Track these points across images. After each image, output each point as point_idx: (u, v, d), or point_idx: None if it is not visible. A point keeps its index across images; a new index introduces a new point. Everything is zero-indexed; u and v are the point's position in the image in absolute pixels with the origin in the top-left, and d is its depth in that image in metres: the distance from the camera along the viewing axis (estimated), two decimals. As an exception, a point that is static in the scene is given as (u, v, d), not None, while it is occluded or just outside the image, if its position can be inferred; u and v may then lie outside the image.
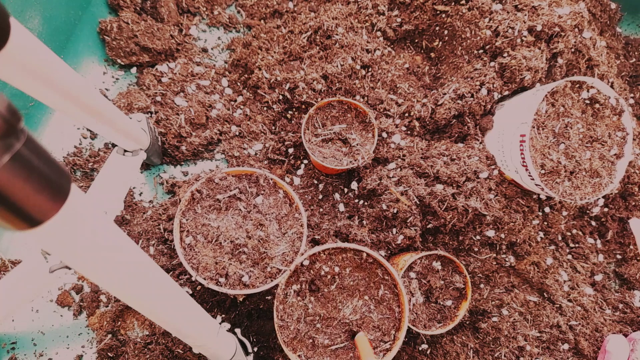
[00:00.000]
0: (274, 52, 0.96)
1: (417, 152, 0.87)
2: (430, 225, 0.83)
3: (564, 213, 0.93)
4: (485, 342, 0.83)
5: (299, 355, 0.64)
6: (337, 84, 0.89)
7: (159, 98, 0.94)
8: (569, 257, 0.95)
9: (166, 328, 0.50)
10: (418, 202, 0.81)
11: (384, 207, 0.81)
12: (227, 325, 0.78)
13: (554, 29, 0.85)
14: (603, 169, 0.79)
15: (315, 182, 0.93)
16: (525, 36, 0.85)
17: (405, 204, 0.80)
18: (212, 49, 1.04)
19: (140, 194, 0.91)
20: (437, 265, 0.81)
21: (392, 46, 0.98)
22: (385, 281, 0.69)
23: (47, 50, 0.50)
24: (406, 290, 0.78)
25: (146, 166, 0.93)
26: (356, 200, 0.90)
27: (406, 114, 0.90)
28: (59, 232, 0.29)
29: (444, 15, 0.93)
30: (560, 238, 0.95)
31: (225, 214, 0.72)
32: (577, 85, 0.80)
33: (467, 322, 0.86)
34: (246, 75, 0.99)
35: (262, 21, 1.05)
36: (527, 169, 0.76)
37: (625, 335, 0.86)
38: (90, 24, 0.95)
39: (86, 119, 0.62)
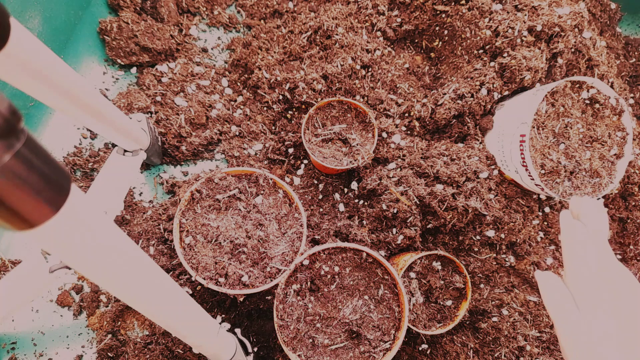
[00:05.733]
0: (274, 52, 0.96)
1: (417, 152, 0.87)
2: (430, 225, 0.83)
3: (564, 213, 0.93)
4: (485, 342, 0.83)
5: (298, 355, 0.64)
6: (337, 84, 0.89)
7: (159, 98, 0.94)
8: (569, 257, 0.95)
9: (166, 328, 0.50)
10: (418, 202, 0.81)
11: (384, 207, 0.81)
12: (227, 325, 0.78)
13: (554, 29, 0.85)
14: (603, 169, 0.79)
15: (315, 182, 0.93)
16: (525, 36, 0.85)
17: (405, 204, 0.80)
18: (212, 49, 1.04)
19: (140, 194, 0.91)
20: (437, 265, 0.81)
21: (392, 46, 0.98)
22: (385, 281, 0.69)
23: (47, 50, 0.50)
24: (406, 290, 0.78)
25: (146, 166, 0.93)
26: (356, 200, 0.90)
27: (406, 114, 0.91)
28: (58, 232, 0.29)
29: (444, 15, 0.93)
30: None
31: (224, 214, 0.72)
32: (577, 85, 0.80)
33: (467, 322, 0.86)
34: (246, 75, 0.99)
35: (262, 21, 1.05)
36: (527, 169, 0.76)
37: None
38: (90, 24, 0.95)
39: (86, 119, 0.62)
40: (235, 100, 0.98)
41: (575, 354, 0.36)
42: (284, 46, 0.96)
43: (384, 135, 0.88)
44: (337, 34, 0.91)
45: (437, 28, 0.95)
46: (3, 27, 0.40)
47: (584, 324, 0.36)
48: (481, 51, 0.89)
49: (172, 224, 0.74)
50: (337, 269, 0.69)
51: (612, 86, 0.95)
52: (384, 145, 0.88)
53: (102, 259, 0.34)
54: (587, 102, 0.80)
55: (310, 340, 0.66)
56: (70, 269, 0.67)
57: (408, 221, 0.81)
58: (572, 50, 0.88)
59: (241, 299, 0.74)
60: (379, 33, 0.96)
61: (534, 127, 0.77)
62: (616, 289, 0.36)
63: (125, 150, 0.79)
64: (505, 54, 0.86)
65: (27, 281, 0.66)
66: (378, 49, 0.93)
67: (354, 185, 0.92)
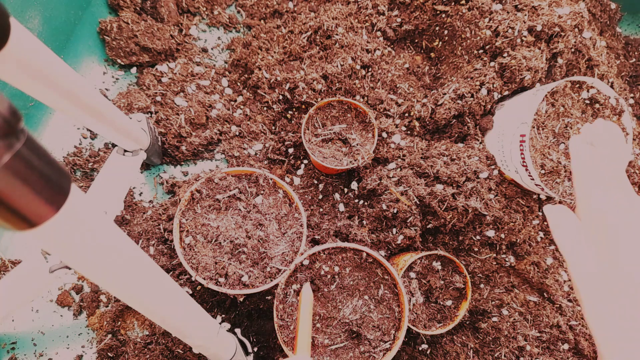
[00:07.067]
0: (274, 52, 0.96)
1: (417, 152, 0.87)
2: (430, 225, 0.83)
3: (564, 213, 0.93)
4: (485, 342, 0.83)
5: (299, 355, 0.64)
6: (337, 84, 0.89)
7: (159, 98, 0.94)
8: (569, 257, 0.95)
9: (166, 328, 0.50)
10: (418, 202, 0.81)
11: (384, 207, 0.81)
12: (227, 325, 0.78)
13: (554, 29, 0.85)
14: (603, 169, 0.79)
15: (315, 182, 0.93)
16: (525, 36, 0.85)
17: (405, 204, 0.80)
18: (212, 49, 1.04)
19: (140, 194, 0.91)
20: (437, 265, 0.81)
21: (392, 46, 0.98)
22: (385, 281, 0.69)
23: (47, 50, 0.50)
24: (406, 290, 0.78)
25: (146, 166, 0.93)
26: (356, 200, 0.90)
27: (406, 114, 0.91)
28: (58, 232, 0.29)
29: (444, 15, 0.93)
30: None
31: (224, 214, 0.72)
32: (577, 85, 0.80)
33: (467, 322, 0.86)
34: (246, 75, 0.99)
35: (262, 21, 1.05)
36: (527, 169, 0.76)
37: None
38: (90, 24, 0.95)
39: (86, 119, 0.62)
40: (235, 100, 0.98)
41: (588, 287, 0.33)
42: (284, 46, 0.96)
43: (384, 135, 0.88)
44: (337, 34, 0.91)
45: (437, 28, 0.95)
46: (3, 27, 0.40)
47: (596, 256, 0.33)
48: (481, 51, 0.89)
49: (172, 224, 0.74)
50: (337, 269, 0.69)
51: (612, 86, 0.95)
52: (384, 145, 0.88)
53: (102, 259, 0.34)
54: (587, 102, 0.80)
55: (311, 340, 0.66)
56: (70, 269, 0.67)
57: (408, 221, 0.81)
58: (572, 50, 0.88)
59: (241, 299, 0.74)
60: (379, 33, 0.96)
61: (534, 127, 0.77)
62: (630, 220, 0.33)
63: (125, 150, 0.79)
64: (505, 54, 0.86)
65: (27, 281, 0.66)
66: (378, 49, 0.93)
67: (354, 185, 0.92)
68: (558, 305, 0.86)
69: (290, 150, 0.93)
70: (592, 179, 0.36)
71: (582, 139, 0.40)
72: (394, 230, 0.82)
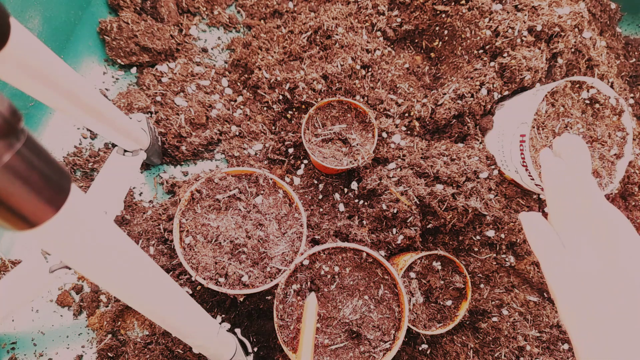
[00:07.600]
0: (274, 52, 0.96)
1: (417, 152, 0.87)
2: (430, 225, 0.83)
3: (564, 213, 0.93)
4: (485, 342, 0.83)
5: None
6: (337, 84, 0.89)
7: (159, 98, 0.94)
8: (569, 257, 0.94)
9: (166, 328, 0.50)
10: (418, 202, 0.81)
11: (384, 207, 0.81)
12: (227, 325, 0.78)
13: (554, 29, 0.85)
14: (603, 169, 0.79)
15: (315, 182, 0.93)
16: (525, 36, 0.85)
17: (405, 204, 0.80)
18: (212, 49, 1.04)
19: (140, 194, 0.91)
20: (437, 265, 0.81)
21: (392, 46, 0.98)
22: (385, 281, 0.69)
23: (47, 50, 0.50)
24: (406, 290, 0.78)
25: (146, 166, 0.93)
26: (356, 200, 0.90)
27: (406, 114, 0.91)
28: (58, 232, 0.29)
29: (444, 15, 0.93)
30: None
31: (224, 214, 0.72)
32: (577, 85, 0.80)
33: (467, 322, 0.86)
34: (246, 75, 0.99)
35: (262, 21, 1.05)
36: (527, 169, 0.76)
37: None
38: (90, 24, 0.95)
39: (86, 119, 0.62)
40: (235, 100, 0.98)
41: (561, 292, 0.35)
42: (284, 46, 0.96)
43: (384, 135, 0.88)
44: (337, 34, 0.91)
45: (437, 28, 0.95)
46: (3, 27, 0.40)
47: (568, 261, 0.35)
48: (481, 51, 0.89)
49: (172, 224, 0.74)
50: (337, 269, 0.69)
51: (612, 86, 0.95)
52: (384, 145, 0.88)
53: (102, 259, 0.34)
54: (587, 102, 0.80)
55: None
56: (70, 269, 0.67)
57: (408, 221, 0.80)
58: (572, 50, 0.88)
59: (241, 299, 0.74)
60: (379, 33, 0.96)
61: (534, 127, 0.77)
62: (600, 224, 0.35)
63: (125, 150, 0.79)
64: (505, 54, 0.86)
65: (27, 281, 0.66)
66: (378, 49, 0.93)
67: (354, 185, 0.92)
68: (558, 305, 0.86)
69: (290, 150, 0.93)
70: (561, 185, 0.38)
71: (551, 151, 0.43)
72: (394, 230, 0.82)
